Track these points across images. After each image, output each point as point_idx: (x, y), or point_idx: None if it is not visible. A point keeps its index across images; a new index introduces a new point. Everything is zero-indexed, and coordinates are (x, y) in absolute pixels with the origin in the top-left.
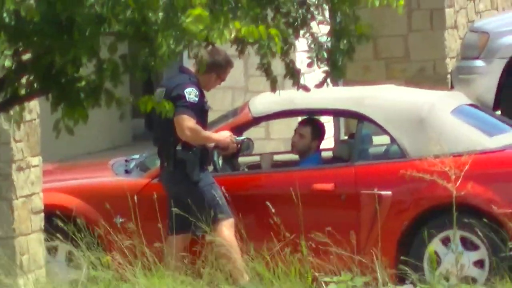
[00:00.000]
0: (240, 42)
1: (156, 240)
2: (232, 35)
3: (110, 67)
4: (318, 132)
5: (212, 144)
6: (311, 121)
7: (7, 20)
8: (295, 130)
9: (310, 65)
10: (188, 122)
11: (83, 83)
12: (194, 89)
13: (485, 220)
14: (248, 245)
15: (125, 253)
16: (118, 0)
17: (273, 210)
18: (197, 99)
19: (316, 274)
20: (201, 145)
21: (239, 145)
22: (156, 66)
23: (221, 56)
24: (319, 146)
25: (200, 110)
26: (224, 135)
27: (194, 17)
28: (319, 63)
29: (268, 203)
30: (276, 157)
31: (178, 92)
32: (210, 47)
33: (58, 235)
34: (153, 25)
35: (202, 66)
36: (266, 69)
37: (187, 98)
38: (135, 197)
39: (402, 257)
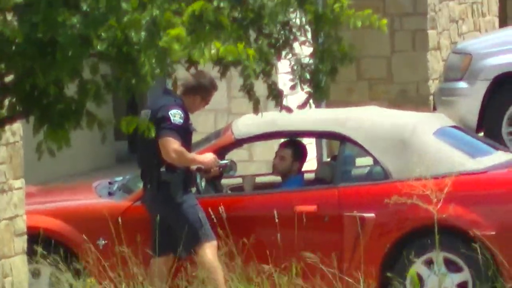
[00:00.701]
0: (222, 64)
1: (140, 262)
2: (212, 51)
3: (93, 87)
4: (299, 153)
5: (195, 166)
6: (292, 143)
7: None
8: (276, 153)
9: (293, 87)
10: (173, 144)
11: (65, 104)
12: (179, 111)
13: (470, 242)
14: (233, 266)
15: (109, 276)
16: (101, 20)
17: (258, 231)
18: (182, 121)
19: None
20: (184, 167)
21: (221, 168)
22: (139, 86)
23: (206, 79)
24: (301, 168)
25: (184, 132)
26: (208, 157)
27: (173, 37)
28: (302, 84)
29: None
30: (259, 179)
31: (163, 114)
32: (194, 70)
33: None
34: (135, 45)
35: (175, 87)
36: (248, 90)
37: (172, 120)
38: (119, 219)
39: (386, 276)
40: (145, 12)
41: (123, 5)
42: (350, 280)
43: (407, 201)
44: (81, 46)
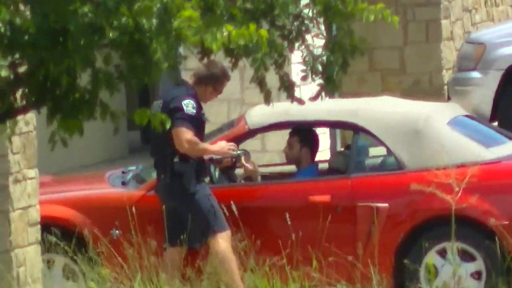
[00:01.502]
0: (234, 55)
1: (153, 252)
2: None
3: (105, 77)
4: (307, 139)
5: (208, 156)
6: (298, 129)
7: (2, 30)
8: (286, 141)
9: (304, 78)
10: (186, 134)
11: (78, 95)
12: (191, 101)
13: (483, 231)
14: (247, 257)
15: (122, 266)
16: (112, 8)
17: (272, 222)
18: (194, 111)
19: (314, 286)
20: (198, 157)
21: (233, 159)
22: (152, 74)
23: (217, 69)
24: (314, 157)
25: (197, 122)
26: (221, 145)
27: (185, 19)
28: (313, 76)
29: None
30: (273, 169)
31: (176, 104)
32: (206, 60)
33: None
34: (146, 32)
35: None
36: (260, 82)
37: (185, 110)
38: (132, 209)
39: (400, 266)
40: None
41: None
42: (362, 271)
43: (425, 190)
44: (92, 35)
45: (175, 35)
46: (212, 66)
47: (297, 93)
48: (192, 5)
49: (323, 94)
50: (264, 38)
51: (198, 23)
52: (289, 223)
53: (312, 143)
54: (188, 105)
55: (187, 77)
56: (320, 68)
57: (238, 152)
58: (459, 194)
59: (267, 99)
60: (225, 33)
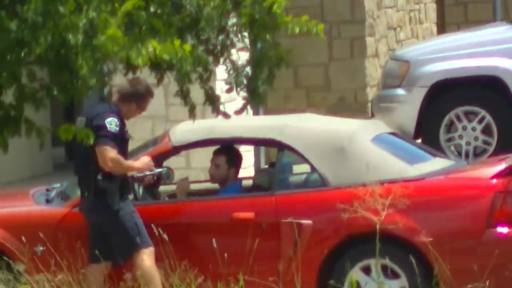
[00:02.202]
0: (159, 69)
1: (77, 269)
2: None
3: (31, 92)
4: (234, 159)
5: (133, 173)
6: (225, 149)
7: None
8: (210, 161)
9: (228, 91)
10: (110, 153)
11: (2, 111)
12: (115, 119)
13: (407, 248)
14: (171, 274)
15: (44, 283)
16: (39, 24)
17: (196, 239)
18: (118, 128)
19: None
20: (121, 174)
21: (155, 177)
22: (78, 90)
23: (141, 86)
24: (237, 174)
25: (121, 140)
26: (143, 161)
27: (109, 37)
28: (238, 89)
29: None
30: (197, 186)
31: (99, 122)
32: (132, 75)
33: None
34: (73, 48)
35: (110, 95)
36: (184, 96)
37: (108, 128)
38: (56, 226)
39: (324, 283)
40: (82, 14)
41: (60, 9)
42: None
43: (350, 209)
44: (19, 50)
45: (101, 51)
46: (135, 83)
47: (221, 108)
48: (117, 20)
49: (248, 107)
50: (188, 52)
51: (122, 41)
52: (213, 240)
53: (237, 162)
54: (112, 123)
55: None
56: (244, 81)
57: (161, 169)
58: (384, 211)
59: (192, 113)
60: (150, 49)
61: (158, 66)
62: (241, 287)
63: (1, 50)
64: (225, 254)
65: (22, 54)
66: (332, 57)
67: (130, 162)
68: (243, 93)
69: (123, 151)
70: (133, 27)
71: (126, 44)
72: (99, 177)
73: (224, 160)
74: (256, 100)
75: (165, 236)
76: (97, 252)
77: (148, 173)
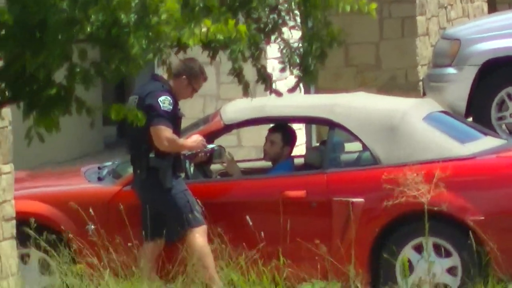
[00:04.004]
0: (211, 48)
1: (129, 247)
2: (203, 29)
3: (82, 71)
4: (289, 137)
5: (184, 151)
6: (281, 127)
7: None
8: (266, 138)
9: (282, 70)
10: (165, 132)
11: (54, 90)
12: (168, 97)
13: (459, 227)
14: (222, 252)
15: (98, 261)
16: (90, 2)
17: (246, 218)
18: (171, 107)
19: (290, 281)
20: (174, 152)
21: (208, 154)
22: (130, 69)
23: (196, 64)
24: (290, 153)
25: (174, 118)
26: (195, 140)
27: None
28: (291, 68)
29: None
30: (248, 164)
31: (152, 101)
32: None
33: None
34: (125, 27)
35: (169, 72)
36: (238, 74)
37: (161, 107)
38: (108, 205)
39: (376, 261)
40: None
41: None
42: (337, 267)
43: (398, 188)
44: (70, 29)
45: (153, 31)
46: (190, 61)
47: (273, 87)
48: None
49: (301, 85)
50: (244, 33)
51: (177, 15)
52: (264, 218)
53: (292, 140)
54: (165, 102)
55: (161, 72)
56: (297, 60)
57: (212, 145)
58: (430, 190)
59: (246, 92)
60: (204, 29)
61: (209, 45)
62: (282, 264)
63: (52, 29)
64: (276, 232)
65: (73, 33)
66: (383, 36)
67: (184, 141)
68: (296, 72)
69: (177, 129)
70: (186, 6)
71: (180, 23)
72: (152, 155)
73: (279, 138)
74: (309, 78)
75: (217, 214)
76: (149, 230)
77: (199, 150)
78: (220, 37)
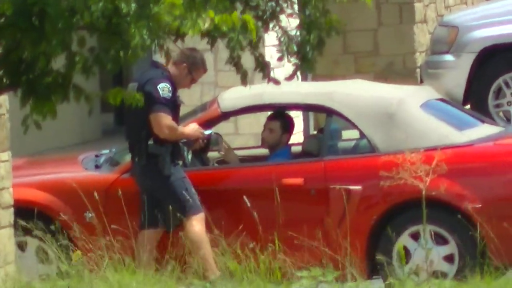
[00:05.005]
0: (210, 36)
1: (127, 235)
2: (206, 25)
3: (81, 60)
4: (287, 125)
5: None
6: (279, 115)
7: None
8: (264, 125)
9: (280, 59)
10: (165, 119)
11: (51, 77)
12: (167, 84)
13: (456, 215)
14: (218, 240)
15: (95, 248)
16: None
17: (245, 205)
18: (170, 94)
19: (287, 269)
20: (173, 140)
21: (205, 141)
22: (129, 58)
23: (198, 54)
24: (288, 140)
25: (173, 105)
26: (193, 128)
27: (168, 5)
28: (289, 56)
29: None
30: (246, 152)
31: (151, 88)
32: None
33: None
34: (125, 17)
35: (168, 58)
36: (236, 63)
37: (161, 94)
38: (105, 192)
39: (373, 249)
40: None
41: None
42: (334, 255)
43: (396, 175)
44: (70, 17)
45: (154, 21)
46: (192, 50)
47: (271, 75)
48: None
49: (298, 73)
50: (250, 23)
51: (180, 10)
52: (262, 206)
53: (290, 128)
54: (164, 89)
55: (160, 59)
56: (295, 48)
57: (210, 131)
58: (430, 177)
59: (244, 80)
60: (208, 19)
61: (209, 33)
62: (278, 250)
63: (52, 17)
64: (273, 220)
65: (73, 22)
66: (381, 22)
67: (182, 128)
68: (294, 60)
69: (176, 117)
70: None
71: (182, 14)
72: (151, 142)
73: (278, 125)
74: (306, 66)
75: (214, 202)
76: (148, 217)
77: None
78: (224, 28)
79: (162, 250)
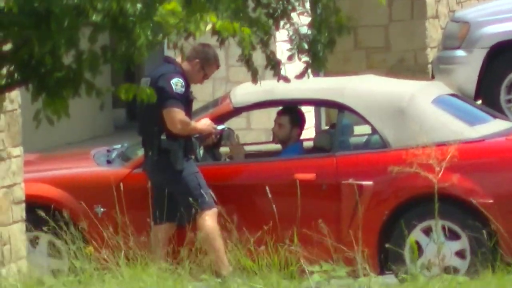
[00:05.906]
0: (220, 35)
1: (139, 230)
2: (208, 28)
3: (89, 57)
4: (297, 119)
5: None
6: (289, 109)
7: None
8: (274, 121)
9: (290, 58)
10: (178, 115)
11: (63, 73)
12: (180, 79)
13: (468, 210)
14: (231, 235)
15: (107, 244)
16: None
17: (257, 200)
18: (183, 89)
19: (300, 264)
20: (185, 134)
21: (218, 136)
22: (135, 58)
23: (211, 50)
24: (300, 135)
25: (186, 101)
26: (205, 123)
27: (168, 11)
28: (299, 54)
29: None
30: (258, 147)
31: (164, 84)
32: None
33: (40, 225)
34: (130, 17)
35: (182, 54)
36: (247, 61)
37: (174, 89)
38: (117, 187)
39: (385, 244)
40: None
41: None
42: (346, 249)
43: (408, 171)
44: (76, 17)
45: (159, 22)
46: (205, 46)
47: (282, 71)
48: None
49: (309, 71)
50: (248, 35)
51: (181, 16)
52: (274, 201)
53: (301, 123)
54: (177, 84)
55: (171, 54)
56: (306, 46)
57: (223, 126)
58: (440, 172)
59: (255, 78)
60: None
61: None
62: (295, 245)
63: (57, 16)
64: (285, 215)
65: (79, 21)
66: (392, 18)
67: (195, 123)
68: (305, 58)
69: (188, 112)
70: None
71: (184, 17)
72: (163, 137)
73: (287, 120)
74: (317, 65)
75: (226, 197)
76: (160, 212)
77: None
78: (225, 34)
79: (175, 245)
